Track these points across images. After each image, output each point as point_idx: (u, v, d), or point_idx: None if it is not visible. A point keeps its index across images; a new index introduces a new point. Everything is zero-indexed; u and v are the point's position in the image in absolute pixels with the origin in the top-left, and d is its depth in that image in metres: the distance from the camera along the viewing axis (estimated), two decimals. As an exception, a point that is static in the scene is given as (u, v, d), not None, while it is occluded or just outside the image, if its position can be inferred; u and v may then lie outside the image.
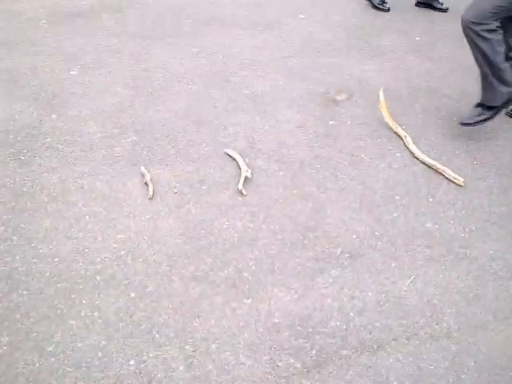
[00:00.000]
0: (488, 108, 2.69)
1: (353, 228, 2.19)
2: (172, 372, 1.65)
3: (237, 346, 1.73)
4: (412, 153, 2.64)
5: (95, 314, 1.81)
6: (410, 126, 2.87)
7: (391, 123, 2.82)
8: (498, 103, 2.66)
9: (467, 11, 2.52)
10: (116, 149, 2.60)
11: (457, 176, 2.46)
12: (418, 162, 2.60)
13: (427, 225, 2.23)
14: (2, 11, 4.04)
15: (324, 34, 3.87)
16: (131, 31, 3.80)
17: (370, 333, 1.79)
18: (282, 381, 1.64)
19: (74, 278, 1.93)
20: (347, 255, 2.07)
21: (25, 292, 1.88)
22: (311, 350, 1.73)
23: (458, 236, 2.19)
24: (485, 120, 2.71)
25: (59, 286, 1.90)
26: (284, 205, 2.30)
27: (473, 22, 2.48)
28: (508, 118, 2.97)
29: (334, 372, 1.66)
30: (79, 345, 1.71)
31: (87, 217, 2.19)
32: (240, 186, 2.34)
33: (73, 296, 1.87)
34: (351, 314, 1.85)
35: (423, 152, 2.62)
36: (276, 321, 1.81)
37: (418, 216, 2.27)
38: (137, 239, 2.10)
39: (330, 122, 2.87)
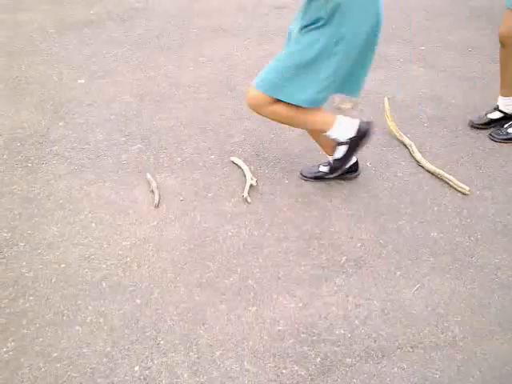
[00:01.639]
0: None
1: (358, 236, 2.20)
2: (177, 378, 1.65)
3: (241, 353, 1.73)
4: (417, 161, 2.65)
5: (101, 320, 1.82)
6: (415, 134, 2.88)
7: (396, 132, 2.83)
8: None
9: None
10: (122, 156, 2.62)
11: (462, 184, 2.46)
12: (423, 170, 2.60)
13: (432, 233, 2.23)
14: (11, 21, 4.10)
15: (329, 43, 3.88)
16: (138, 40, 3.84)
17: (375, 341, 1.78)
18: (287, 388, 1.64)
19: (79, 284, 1.94)
20: (352, 263, 2.07)
21: (31, 298, 1.89)
22: (316, 357, 1.73)
23: (463, 245, 2.18)
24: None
25: (65, 292, 1.92)
26: (289, 213, 2.31)
27: None
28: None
29: (339, 380, 1.66)
30: (84, 350, 1.72)
31: (93, 224, 2.21)
32: (245, 194, 2.36)
33: (78, 302, 1.88)
34: (356, 322, 1.85)
35: (428, 160, 2.63)
36: (281, 328, 1.81)
37: (423, 224, 2.27)
38: (142, 246, 2.11)
39: (335, 131, 2.87)
